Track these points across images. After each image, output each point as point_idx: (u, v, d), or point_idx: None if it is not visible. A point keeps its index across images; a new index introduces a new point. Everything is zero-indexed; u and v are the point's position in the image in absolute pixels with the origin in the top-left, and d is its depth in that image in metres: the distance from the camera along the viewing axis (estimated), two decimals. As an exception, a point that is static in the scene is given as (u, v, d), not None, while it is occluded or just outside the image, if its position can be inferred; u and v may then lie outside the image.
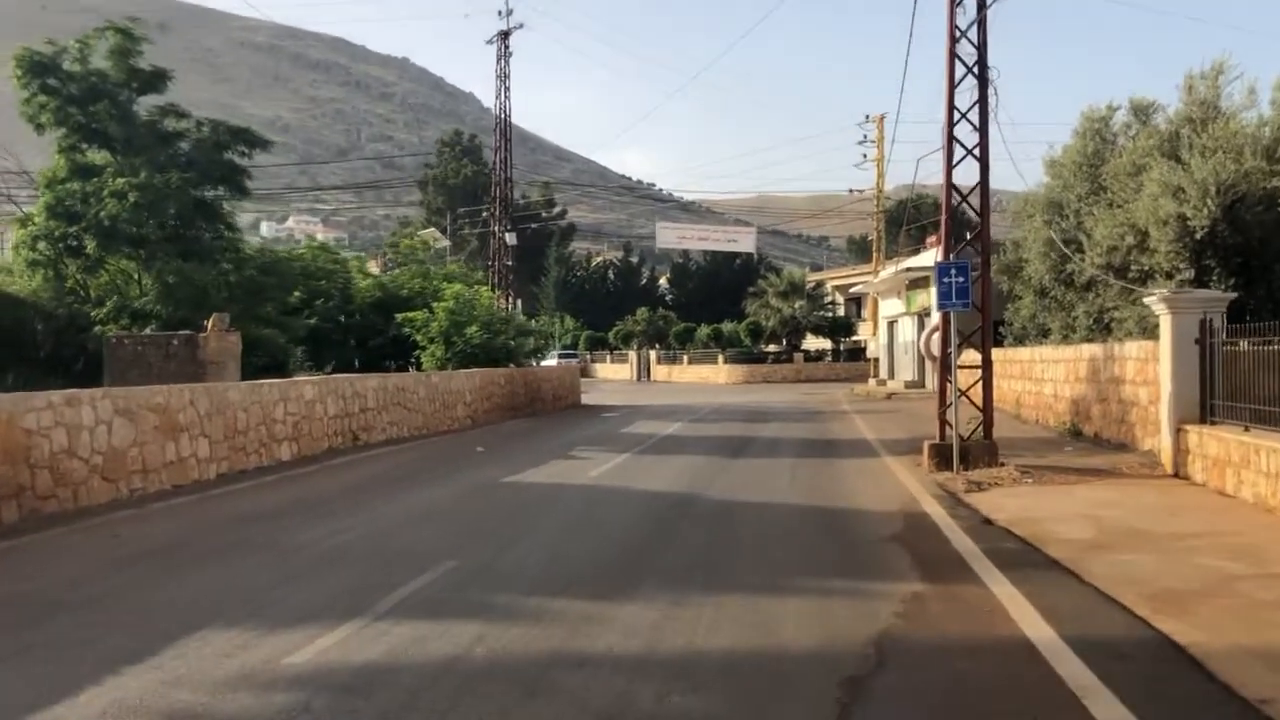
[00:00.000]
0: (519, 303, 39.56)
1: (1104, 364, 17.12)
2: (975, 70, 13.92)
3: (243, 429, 14.33)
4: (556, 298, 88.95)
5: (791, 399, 36.89)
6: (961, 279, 13.46)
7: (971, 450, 14.05)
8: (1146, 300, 14.20)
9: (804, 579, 7.74)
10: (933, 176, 38.79)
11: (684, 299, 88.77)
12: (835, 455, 16.41)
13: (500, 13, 38.22)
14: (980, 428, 14.49)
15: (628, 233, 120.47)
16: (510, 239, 37.44)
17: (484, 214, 39.36)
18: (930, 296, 37.09)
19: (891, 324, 42.54)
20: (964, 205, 14.77)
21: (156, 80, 22.97)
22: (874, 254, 46.54)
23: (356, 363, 28.57)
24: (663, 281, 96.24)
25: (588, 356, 76.93)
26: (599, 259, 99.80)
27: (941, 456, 14.13)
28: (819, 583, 7.60)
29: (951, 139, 14.08)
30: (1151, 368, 14.56)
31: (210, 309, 21.79)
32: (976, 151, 14.08)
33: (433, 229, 53.40)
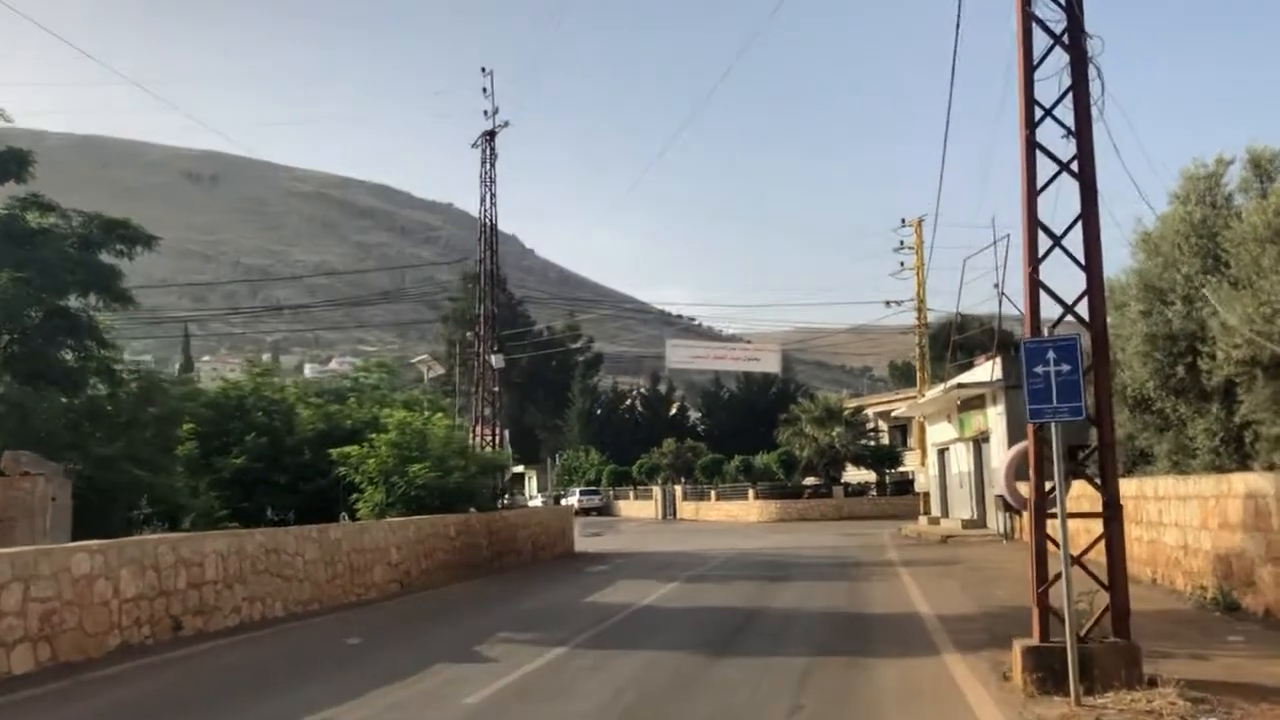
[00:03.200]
0: (506, 435, 34.29)
1: (1279, 503, 11.42)
2: (1065, 39, 8.72)
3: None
4: (581, 431, 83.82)
5: (826, 543, 30.99)
6: (1067, 367, 8.00)
7: (1097, 657, 8.32)
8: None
9: None
10: (979, 280, 33.56)
11: (715, 430, 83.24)
12: (873, 653, 10.69)
13: (485, 112, 34.08)
14: (1105, 614, 8.78)
15: (661, 365, 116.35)
16: (497, 361, 32.48)
17: (469, 334, 34.39)
18: (988, 418, 31.57)
19: (942, 452, 36.71)
20: (1057, 249, 9.15)
21: (12, 164, 18.52)
22: (918, 371, 41.04)
23: (291, 512, 23.38)
24: (693, 412, 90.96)
25: (611, 493, 71.24)
26: (628, 390, 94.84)
27: (1045, 669, 8.42)
28: None
29: (1033, 148, 8.75)
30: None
31: (59, 445, 16.89)
32: (1074, 166, 8.73)
33: (426, 356, 48.82)
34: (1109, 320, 18.73)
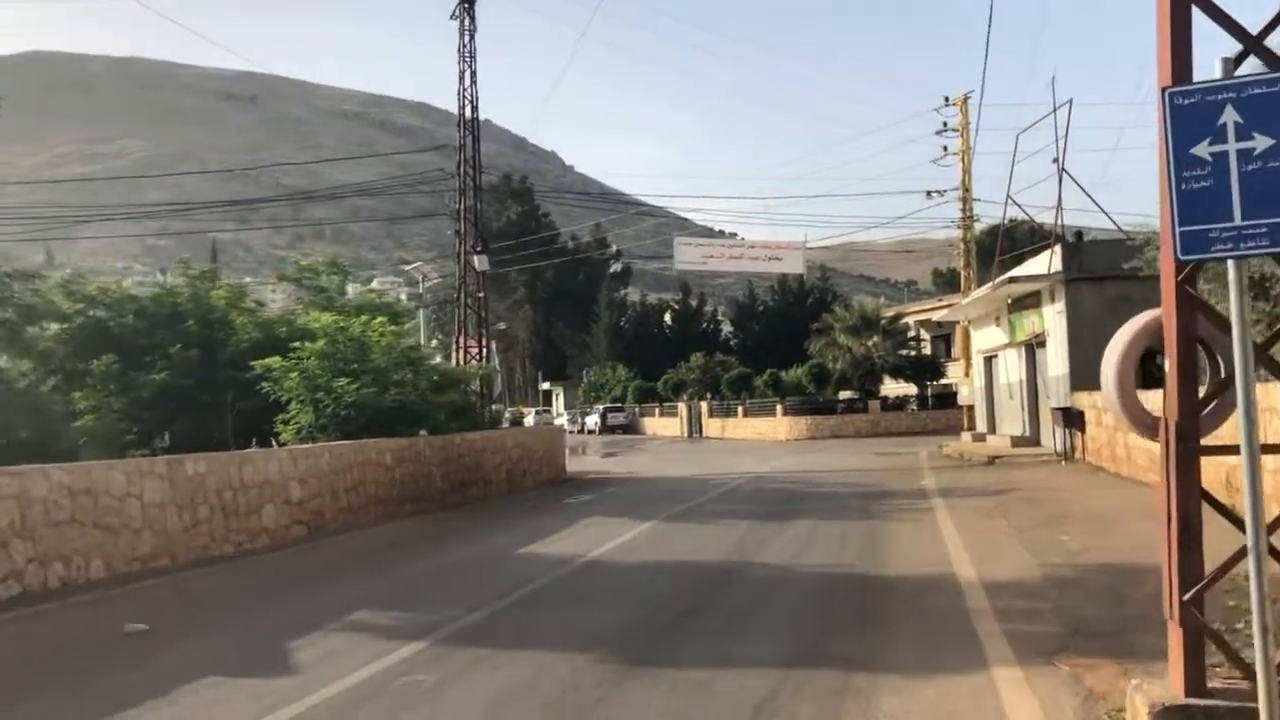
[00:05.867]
0: (491, 348, 30.44)
1: None
2: None
3: None
4: (608, 346, 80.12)
5: (856, 464, 27.09)
6: (1268, 142, 3.80)
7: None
8: None
9: None
10: (1036, 150, 28.78)
11: (749, 343, 79.17)
12: (879, 661, 6.72)
13: (465, -23, 29.77)
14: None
15: (698, 284, 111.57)
16: (480, 263, 28.45)
17: (451, 232, 30.40)
18: (1043, 318, 27.06)
19: (989, 360, 32.38)
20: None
21: None
22: (961, 270, 36.50)
23: (225, 434, 19.84)
24: (726, 326, 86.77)
25: (636, 410, 67.65)
26: (657, 304, 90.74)
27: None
28: None
29: None
30: None
31: None
32: None
33: (419, 263, 44.93)
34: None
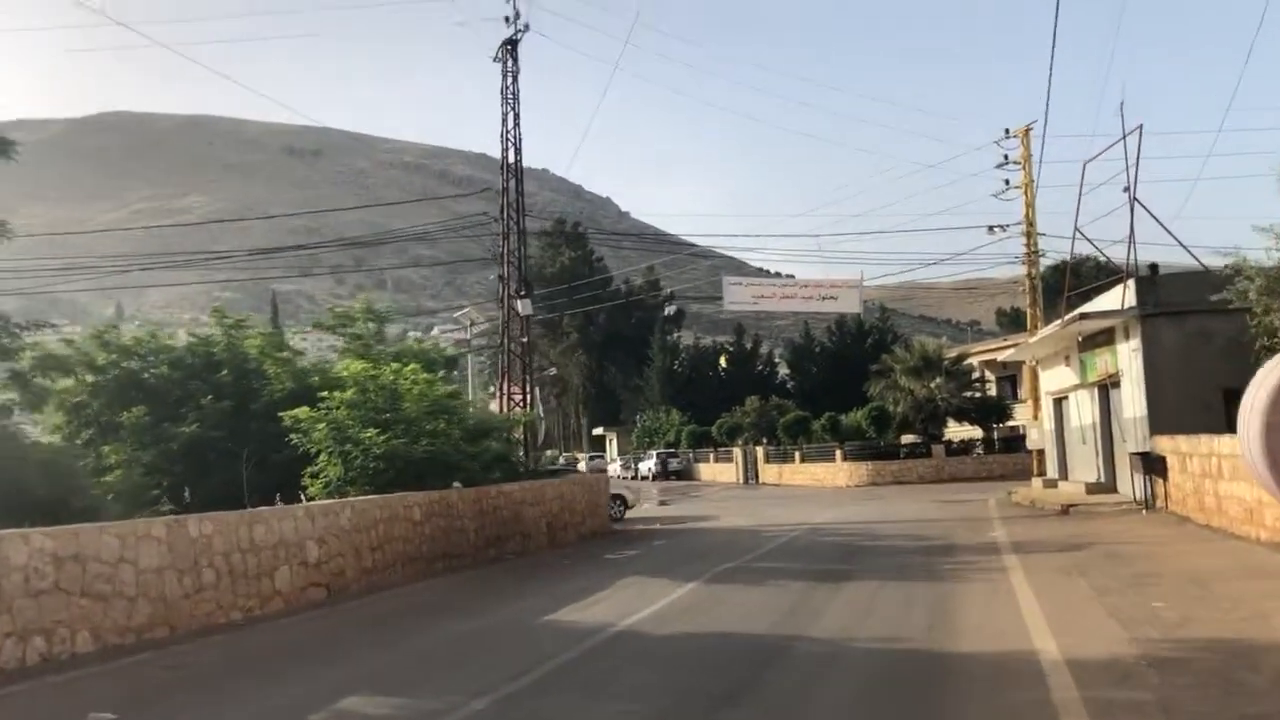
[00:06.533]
0: (535, 394, 29.56)
1: None
2: None
3: None
4: (662, 390, 79.00)
5: (920, 513, 25.66)
6: None
7: None
8: None
9: None
10: (1104, 181, 27.19)
11: (806, 386, 77.51)
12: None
13: (507, 19, 29.23)
14: None
15: (754, 326, 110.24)
16: (523, 307, 27.63)
17: (494, 277, 29.68)
18: (1117, 357, 25.25)
19: (1059, 401, 30.75)
20: None
21: None
22: (1028, 307, 34.89)
23: (247, 488, 19.07)
24: (782, 369, 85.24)
25: (690, 455, 66.33)
26: (711, 346, 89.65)
27: None
28: None
29: None
30: None
31: None
32: None
33: (468, 308, 44.34)
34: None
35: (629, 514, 28.39)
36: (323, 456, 17.51)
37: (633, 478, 65.41)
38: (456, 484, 18.06)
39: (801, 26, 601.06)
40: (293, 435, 17.71)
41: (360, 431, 16.87)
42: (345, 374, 17.96)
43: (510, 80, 28.92)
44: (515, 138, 28.63)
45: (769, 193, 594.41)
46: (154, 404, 21.38)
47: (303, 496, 17.65)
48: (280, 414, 18.05)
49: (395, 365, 18.38)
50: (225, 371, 21.77)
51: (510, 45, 29.11)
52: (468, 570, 17.00)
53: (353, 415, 17.37)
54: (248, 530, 12.49)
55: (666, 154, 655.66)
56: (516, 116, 28.82)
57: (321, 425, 17.13)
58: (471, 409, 30.97)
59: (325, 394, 17.45)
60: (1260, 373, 5.62)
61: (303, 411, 17.34)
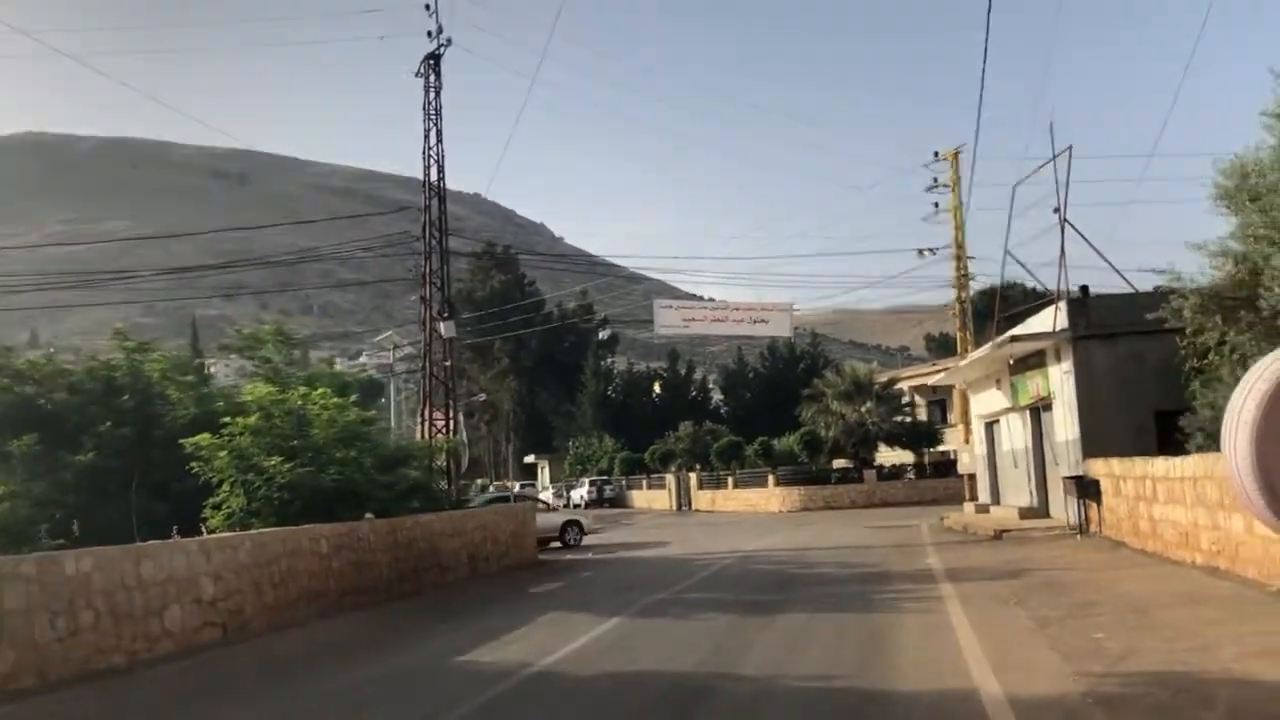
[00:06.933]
0: (459, 419, 28.65)
1: None
2: None
3: None
4: (595, 416, 78.23)
5: (853, 539, 25.24)
6: None
7: None
8: None
9: None
10: (1034, 203, 27.40)
11: (740, 411, 77.43)
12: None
13: (430, 34, 28.50)
14: None
15: (689, 352, 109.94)
16: (446, 330, 26.74)
17: (417, 298, 28.74)
18: (1049, 380, 25.17)
19: (990, 425, 30.64)
20: None
21: None
22: (958, 331, 34.91)
23: (146, 520, 17.89)
24: (716, 394, 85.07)
25: (623, 483, 65.57)
26: (644, 371, 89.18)
27: None
28: None
29: None
30: None
31: None
32: None
33: (391, 333, 43.25)
34: (1251, 217, 12.76)
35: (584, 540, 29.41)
36: (225, 486, 16.49)
37: (565, 505, 64.36)
38: (369, 515, 17.13)
39: (733, 46, 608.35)
40: (193, 464, 16.67)
41: (264, 459, 15.88)
42: (248, 398, 16.94)
43: (433, 96, 28.15)
44: (438, 155, 27.82)
45: (703, 217, 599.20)
46: (49, 431, 20.07)
47: (203, 529, 16.60)
48: (181, 441, 16.97)
49: (303, 390, 17.42)
50: (126, 397, 20.54)
51: (433, 60, 28.36)
52: (380, 606, 16.06)
53: (257, 442, 16.41)
54: (134, 566, 11.49)
55: (600, 180, 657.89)
56: (439, 134, 28.03)
57: (223, 453, 16.13)
58: (394, 435, 30.19)
59: (228, 420, 16.43)
60: (1249, 376, 5.01)
61: (204, 438, 16.32)
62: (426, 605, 16.22)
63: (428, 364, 26.83)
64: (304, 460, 16.28)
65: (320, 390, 17.50)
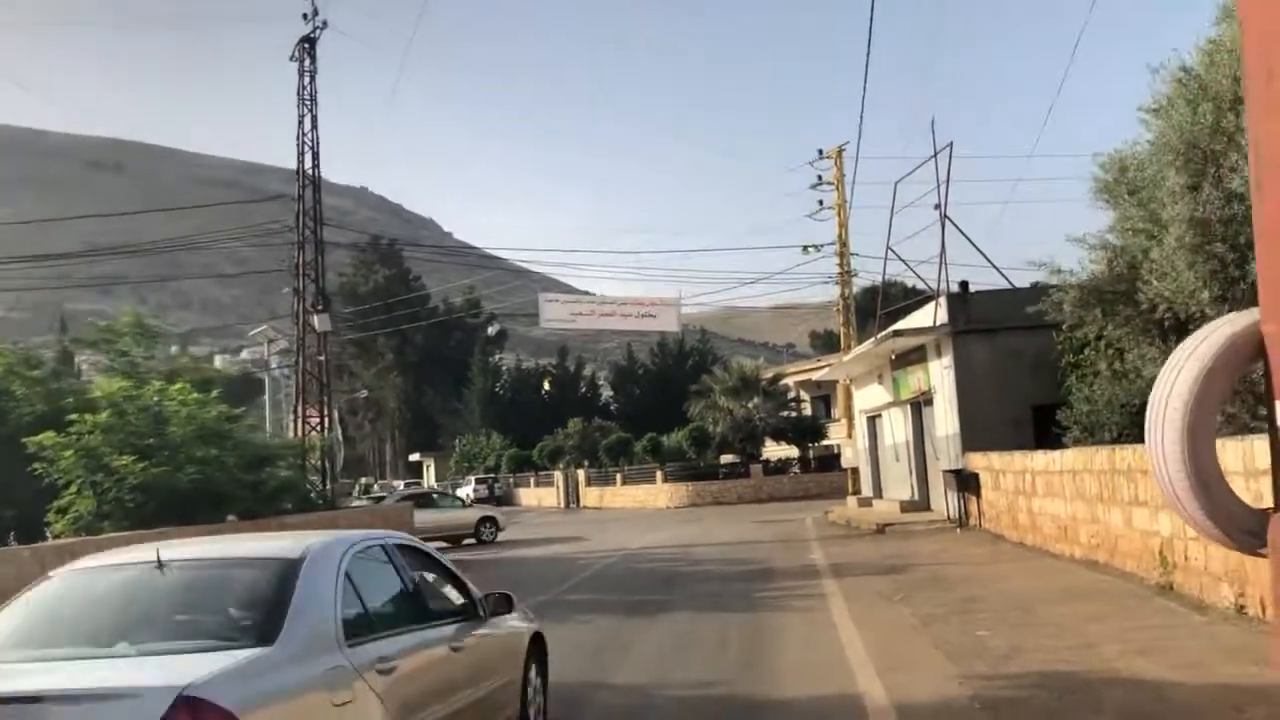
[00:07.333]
0: (334, 416, 27.60)
1: None
2: None
3: None
4: (482, 413, 77.06)
5: (739, 534, 25.12)
6: None
7: None
8: None
9: None
10: (917, 199, 27.53)
11: (629, 408, 77.15)
12: None
13: (305, 16, 27.37)
14: None
15: (580, 348, 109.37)
16: (320, 323, 25.67)
17: (288, 290, 27.56)
18: (929, 374, 25.48)
19: (873, 419, 30.94)
20: None
21: None
22: (841, 328, 35.22)
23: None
24: (606, 391, 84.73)
25: (511, 480, 64.72)
26: (533, 368, 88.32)
27: None
28: None
29: None
30: None
31: None
32: None
33: (267, 326, 41.72)
34: (1129, 210, 12.84)
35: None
36: (72, 488, 15.32)
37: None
38: (231, 517, 16.16)
39: (625, 36, 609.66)
40: (37, 464, 15.45)
41: (115, 459, 14.80)
42: (99, 394, 15.79)
43: (308, 80, 27.07)
44: (313, 141, 26.75)
45: (595, 212, 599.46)
46: None
47: (48, 534, 15.43)
48: (25, 440, 15.71)
49: (159, 384, 16.33)
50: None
51: (308, 44, 27.25)
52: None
53: (109, 441, 15.29)
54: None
55: (494, 175, 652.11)
56: (314, 119, 26.94)
57: (69, 452, 14.97)
58: (269, 433, 28.83)
59: (75, 417, 15.27)
60: (1174, 359, 4.60)
61: (47, 436, 15.12)
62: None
63: (301, 359, 25.73)
64: (160, 460, 15.23)
65: (179, 385, 16.43)
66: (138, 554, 4.97)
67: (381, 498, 36.37)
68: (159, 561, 4.65)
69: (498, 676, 5.97)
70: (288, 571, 4.53)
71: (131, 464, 14.64)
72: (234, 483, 16.25)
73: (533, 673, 6.57)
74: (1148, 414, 4.83)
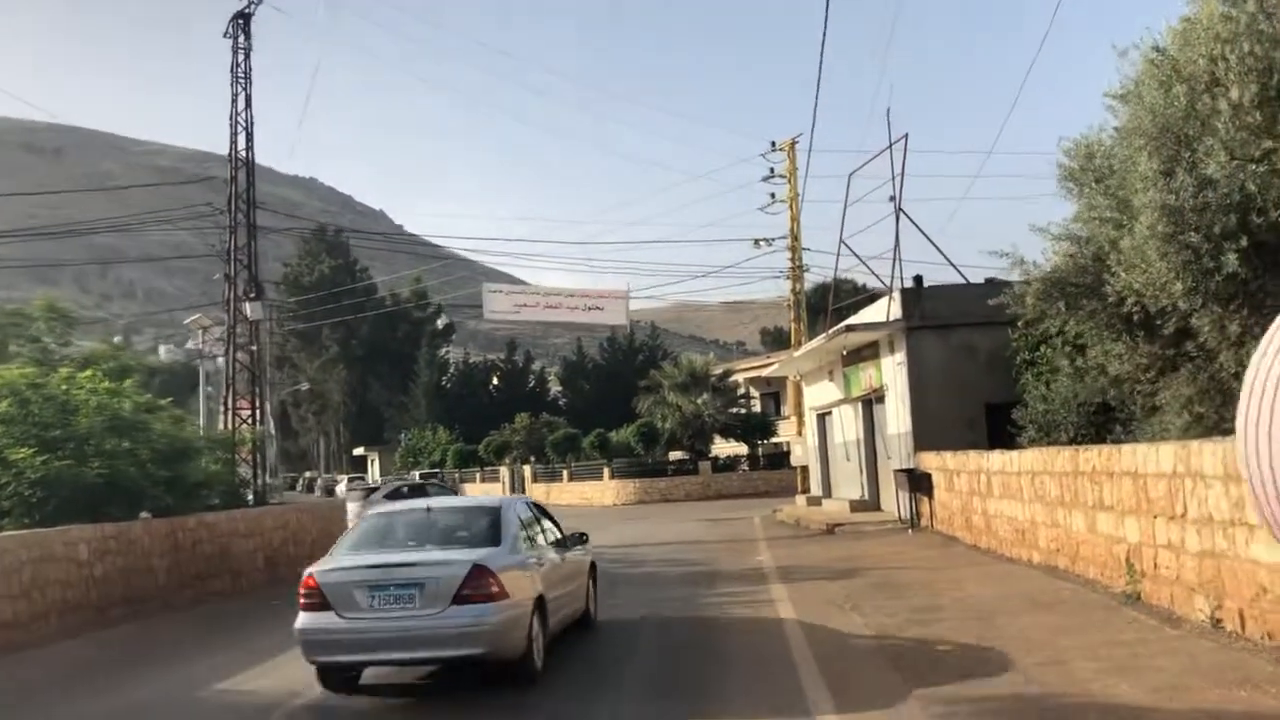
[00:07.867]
0: (265, 409, 26.45)
1: None
2: None
3: None
4: (428, 407, 75.75)
5: (686, 534, 24.42)
6: None
7: None
8: None
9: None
10: (872, 190, 27.03)
11: (578, 404, 76.24)
12: None
13: (242, -13, 26.17)
14: None
15: (529, 342, 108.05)
16: (253, 311, 24.50)
17: (219, 276, 26.34)
18: (882, 371, 24.93)
19: (822, 417, 30.37)
20: None
21: None
22: (792, 324, 34.62)
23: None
24: (554, 385, 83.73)
25: (456, 475, 63.54)
26: (481, 362, 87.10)
27: None
28: None
29: None
30: None
31: None
32: None
33: (199, 315, 40.26)
34: (1096, 199, 12.27)
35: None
36: (-32, 483, 14.19)
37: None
38: (145, 514, 15.11)
39: (572, 28, 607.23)
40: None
41: (14, 452, 13.70)
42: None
43: (242, 58, 25.89)
44: (246, 120, 25.59)
45: (544, 205, 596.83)
46: None
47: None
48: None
49: (67, 372, 15.23)
50: None
51: (242, 20, 26.08)
52: (153, 618, 14.10)
53: (9, 432, 14.19)
54: None
55: (440, 168, 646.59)
56: (248, 98, 25.76)
57: (-39, 446, 13.85)
58: (198, 425, 27.60)
59: (-27, 406, 14.15)
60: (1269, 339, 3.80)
61: (-60, 427, 13.99)
62: (205, 617, 14.33)
63: (231, 348, 24.55)
64: (65, 452, 14.15)
65: (88, 373, 15.33)
66: (414, 503, 9.99)
67: (421, 487, 32.83)
68: (428, 508, 9.22)
69: (579, 579, 10.30)
70: (496, 511, 9.01)
71: (30, 457, 13.55)
72: (148, 478, 15.19)
73: (592, 583, 10.93)
74: (1241, 414, 4.04)
